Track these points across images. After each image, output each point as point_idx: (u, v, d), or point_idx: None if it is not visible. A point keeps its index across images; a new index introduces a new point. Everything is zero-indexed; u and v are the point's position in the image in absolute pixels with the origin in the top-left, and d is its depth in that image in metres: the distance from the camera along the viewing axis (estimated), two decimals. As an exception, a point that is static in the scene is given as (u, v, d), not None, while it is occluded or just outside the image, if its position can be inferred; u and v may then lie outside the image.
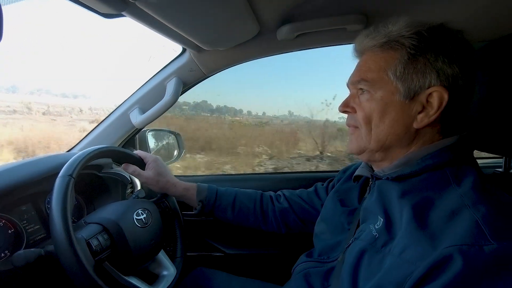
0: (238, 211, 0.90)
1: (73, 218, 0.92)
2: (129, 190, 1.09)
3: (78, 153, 0.70)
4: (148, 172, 0.88)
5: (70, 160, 0.67)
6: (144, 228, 0.76)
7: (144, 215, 0.78)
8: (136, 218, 0.76)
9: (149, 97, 1.02)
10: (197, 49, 0.90)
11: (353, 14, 0.80)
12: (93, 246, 0.64)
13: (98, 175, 0.97)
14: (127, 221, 0.73)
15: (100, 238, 0.67)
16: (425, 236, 0.44)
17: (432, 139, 0.56)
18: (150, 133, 1.27)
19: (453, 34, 0.54)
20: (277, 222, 0.90)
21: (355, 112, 0.59)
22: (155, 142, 1.33)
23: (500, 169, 0.75)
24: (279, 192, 0.94)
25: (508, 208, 0.45)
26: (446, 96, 0.52)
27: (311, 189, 0.91)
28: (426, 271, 0.41)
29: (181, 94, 1.05)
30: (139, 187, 1.12)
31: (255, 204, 0.91)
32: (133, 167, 0.88)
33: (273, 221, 0.90)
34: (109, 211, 0.74)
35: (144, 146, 1.22)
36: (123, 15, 0.64)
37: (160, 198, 0.92)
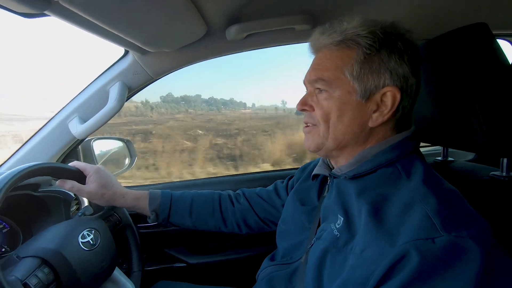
0: (196, 216, 0.86)
1: (5, 247, 0.81)
2: (74, 208, 0.99)
3: (1, 175, 0.60)
4: (89, 186, 0.79)
5: None
6: (92, 251, 0.69)
7: (91, 236, 0.70)
8: (81, 242, 0.68)
9: (90, 104, 0.92)
10: (141, 51, 0.83)
11: (300, 14, 0.81)
12: (31, 286, 0.55)
13: (34, 195, 0.85)
14: (71, 247, 0.65)
15: (39, 274, 0.58)
16: (383, 233, 0.46)
17: (385, 136, 0.58)
18: (96, 142, 1.16)
19: (402, 34, 0.56)
20: (237, 223, 0.87)
21: (313, 110, 0.59)
22: (102, 152, 1.22)
23: (439, 158, 0.82)
24: (238, 191, 0.91)
25: (452, 197, 0.49)
26: (398, 96, 0.54)
27: (271, 187, 0.90)
28: (387, 269, 0.42)
29: (127, 99, 0.97)
30: (86, 203, 1.02)
31: (214, 206, 0.87)
32: (71, 183, 0.78)
33: (233, 222, 0.87)
34: (47, 239, 0.65)
35: (90, 157, 1.12)
36: (46, 15, 0.56)
37: (107, 211, 0.84)
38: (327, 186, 0.66)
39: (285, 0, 0.77)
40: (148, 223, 0.89)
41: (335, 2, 0.79)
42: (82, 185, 0.79)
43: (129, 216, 0.87)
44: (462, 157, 1.16)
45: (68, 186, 0.78)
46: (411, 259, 0.41)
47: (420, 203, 0.46)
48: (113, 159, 1.25)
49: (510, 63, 0.59)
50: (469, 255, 0.40)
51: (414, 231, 0.43)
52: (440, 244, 0.41)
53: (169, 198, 0.85)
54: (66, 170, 0.78)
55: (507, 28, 0.87)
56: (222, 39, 0.86)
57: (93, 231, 0.72)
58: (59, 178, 0.78)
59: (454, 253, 0.40)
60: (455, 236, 0.41)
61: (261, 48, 0.94)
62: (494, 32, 0.60)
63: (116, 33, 0.65)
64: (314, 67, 0.60)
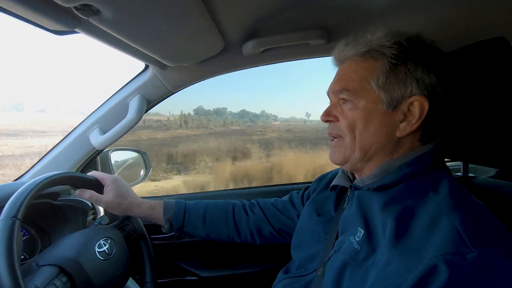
0: (209, 225, 0.85)
1: (24, 254, 0.82)
2: (90, 217, 1.01)
3: (24, 185, 0.62)
4: (107, 196, 0.80)
5: (13, 197, 0.58)
6: (108, 261, 0.70)
7: (107, 246, 0.71)
8: (98, 251, 0.69)
9: (110, 116, 0.96)
10: (160, 65, 0.86)
11: (315, 29, 0.82)
12: None
13: (53, 203, 0.88)
14: (88, 256, 0.66)
15: (57, 283, 0.58)
16: (409, 248, 0.45)
17: (413, 147, 0.57)
18: (114, 153, 1.20)
19: (428, 44, 0.56)
20: (251, 233, 0.86)
21: (338, 120, 0.59)
22: (119, 163, 1.25)
23: (459, 174, 0.79)
24: (253, 201, 0.90)
25: (481, 211, 0.47)
26: (426, 105, 0.53)
27: (286, 198, 0.89)
28: (415, 283, 0.41)
29: (145, 111, 1.01)
30: (102, 213, 1.03)
31: (227, 216, 0.86)
32: (90, 192, 0.80)
33: (247, 233, 0.86)
34: (66, 247, 0.66)
35: (107, 167, 1.15)
36: (76, 32, 0.59)
37: (122, 221, 0.85)
38: (346, 198, 0.64)
39: (300, 15, 0.79)
40: (161, 234, 0.89)
41: (349, 17, 0.80)
42: (100, 194, 0.81)
43: (143, 226, 0.88)
44: (482, 174, 1.12)
45: (87, 195, 0.80)
46: (440, 274, 0.39)
47: (447, 215, 0.45)
48: (129, 170, 1.28)
49: None
50: (501, 274, 0.38)
51: (442, 244, 0.42)
52: (471, 260, 0.39)
53: (183, 207, 0.85)
54: (85, 179, 0.80)
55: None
56: (239, 54, 0.88)
57: (109, 241, 0.73)
58: (78, 188, 0.80)
59: (486, 271, 0.39)
60: (486, 253, 0.40)
61: (276, 63, 0.96)
62: None
63: (139, 48, 0.69)
64: (338, 78, 0.60)
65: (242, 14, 0.74)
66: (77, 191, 0.80)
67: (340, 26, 0.83)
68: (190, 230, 0.85)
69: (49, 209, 0.88)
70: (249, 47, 0.85)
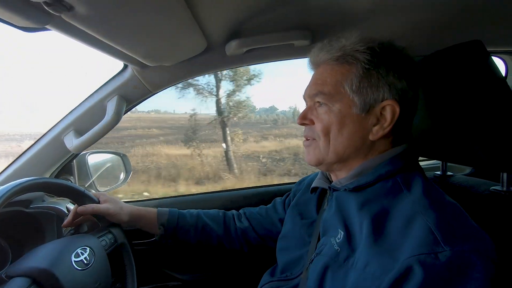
0: (201, 232, 0.87)
1: (-7, 267, 0.77)
2: (67, 224, 0.95)
3: None
4: (106, 205, 0.80)
5: None
6: (85, 271, 0.66)
7: (85, 255, 0.68)
8: (74, 261, 0.65)
9: (86, 118, 0.91)
10: (140, 65, 0.83)
11: (299, 30, 0.82)
12: None
13: (25, 211, 0.82)
14: (63, 266, 0.62)
15: None
16: (386, 248, 0.45)
17: (386, 149, 0.58)
18: (91, 156, 1.14)
19: (399, 50, 0.58)
20: (239, 241, 0.88)
21: (313, 123, 0.60)
22: (97, 166, 1.20)
23: (438, 172, 0.82)
24: (240, 211, 0.93)
25: (454, 210, 0.49)
26: (398, 109, 0.55)
27: (270, 205, 0.91)
28: (391, 284, 0.42)
29: (125, 113, 0.96)
30: (79, 220, 0.98)
31: (218, 224, 0.89)
32: (92, 205, 0.79)
33: (235, 240, 0.88)
34: (39, 257, 0.62)
35: (84, 171, 1.09)
36: (47, 29, 0.55)
37: (102, 229, 0.81)
38: (326, 200, 0.65)
39: (284, 16, 0.78)
40: (143, 239, 0.87)
41: (334, 19, 0.81)
42: (101, 205, 0.81)
43: (124, 235, 0.85)
44: (459, 171, 1.17)
45: (91, 208, 0.78)
46: (415, 275, 0.40)
47: (421, 215, 0.46)
48: (107, 174, 1.23)
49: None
50: (473, 271, 0.40)
51: (416, 245, 0.43)
52: (443, 259, 0.40)
53: (176, 213, 0.87)
54: (82, 194, 0.79)
55: (501, 45, 0.90)
56: (222, 54, 0.87)
57: (87, 249, 0.69)
58: (56, 195, 0.77)
59: (458, 269, 0.40)
60: (458, 251, 0.41)
61: (260, 63, 0.95)
62: (488, 49, 0.61)
63: (116, 47, 0.65)
64: (314, 81, 0.61)
65: (226, 13, 0.73)
66: (79, 208, 0.78)
67: (324, 28, 0.83)
68: (182, 235, 0.86)
69: (21, 217, 0.83)
70: (232, 47, 0.83)
